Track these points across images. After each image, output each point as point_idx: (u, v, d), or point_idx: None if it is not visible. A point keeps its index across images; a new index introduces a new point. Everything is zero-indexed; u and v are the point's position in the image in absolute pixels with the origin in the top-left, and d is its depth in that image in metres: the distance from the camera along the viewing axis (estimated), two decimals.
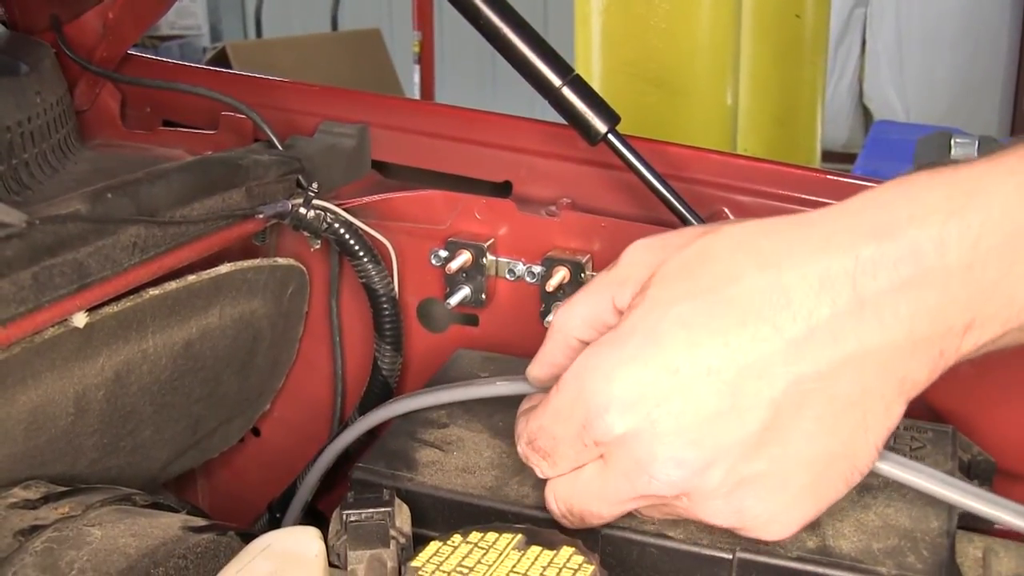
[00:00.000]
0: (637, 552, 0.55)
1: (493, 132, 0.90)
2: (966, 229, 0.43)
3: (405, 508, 0.55)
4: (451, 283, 0.85)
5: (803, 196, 0.80)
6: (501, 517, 0.58)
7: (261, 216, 0.77)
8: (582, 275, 0.81)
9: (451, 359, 0.78)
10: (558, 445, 0.51)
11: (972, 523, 0.61)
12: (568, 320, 0.54)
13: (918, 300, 0.44)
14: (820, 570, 0.53)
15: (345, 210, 0.83)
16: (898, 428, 0.62)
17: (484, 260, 0.84)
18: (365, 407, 0.89)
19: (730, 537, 0.54)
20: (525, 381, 0.58)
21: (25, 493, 0.60)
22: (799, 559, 0.53)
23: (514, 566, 0.49)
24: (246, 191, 0.77)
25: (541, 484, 0.55)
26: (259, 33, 5.00)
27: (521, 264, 0.84)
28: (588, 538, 0.53)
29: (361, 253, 0.83)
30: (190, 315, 0.75)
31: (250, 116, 0.88)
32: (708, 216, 0.81)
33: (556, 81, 0.75)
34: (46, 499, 0.60)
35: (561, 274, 0.81)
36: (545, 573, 0.49)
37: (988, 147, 0.74)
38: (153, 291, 0.70)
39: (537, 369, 0.57)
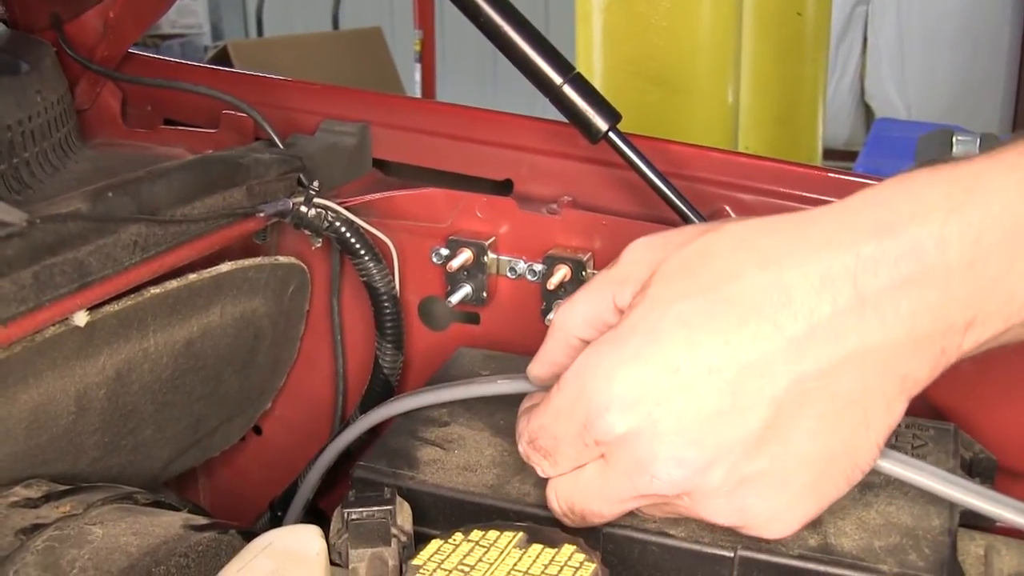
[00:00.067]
0: (639, 550, 0.55)
1: (494, 130, 0.90)
2: (967, 226, 0.43)
3: (406, 506, 0.55)
4: (452, 281, 0.85)
5: (804, 194, 0.80)
6: (502, 515, 0.58)
7: (262, 214, 0.77)
8: (583, 273, 0.81)
9: (452, 357, 0.78)
10: (559, 444, 0.51)
11: (974, 521, 0.61)
12: (569, 319, 0.54)
13: (919, 297, 0.44)
14: (822, 568, 0.53)
15: (346, 208, 0.83)
16: (899, 426, 0.62)
17: (485, 258, 0.84)
18: (366, 405, 0.89)
19: (732, 535, 0.54)
20: (526, 380, 0.58)
21: (26, 492, 0.60)
22: (801, 557, 0.53)
23: (515, 564, 0.49)
24: (247, 190, 0.77)
25: (542, 482, 0.55)
26: (260, 32, 5.01)
27: (522, 262, 0.84)
28: (590, 536, 0.53)
29: (362, 251, 0.83)
30: (191, 314, 0.75)
31: (251, 115, 0.88)
32: (709, 214, 0.81)
33: (557, 79, 0.75)
34: (47, 498, 0.60)
35: (562, 272, 0.81)
36: (547, 571, 0.49)
37: (989, 144, 0.74)
38: (154, 290, 0.70)
39: (538, 368, 0.57)
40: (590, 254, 0.82)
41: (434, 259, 0.85)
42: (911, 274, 0.44)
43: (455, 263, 0.84)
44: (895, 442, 0.64)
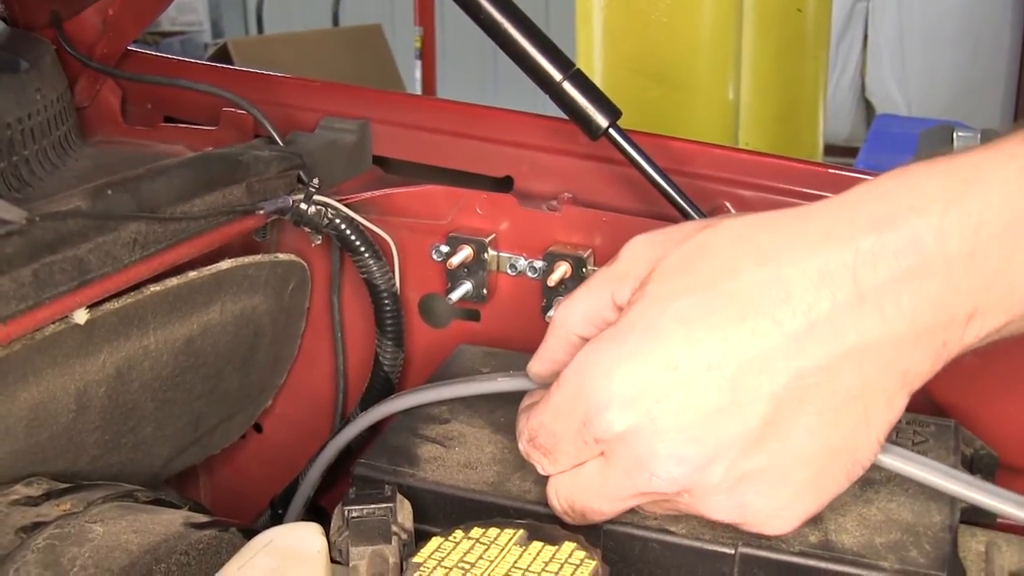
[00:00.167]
0: (639, 547, 0.55)
1: (494, 127, 0.90)
2: (966, 217, 0.43)
3: (407, 504, 0.55)
4: (452, 278, 0.85)
5: (805, 190, 0.80)
6: (503, 513, 0.58)
7: (262, 212, 0.77)
8: (583, 270, 0.81)
9: (452, 355, 0.78)
10: (559, 442, 0.51)
11: (975, 517, 0.61)
12: (568, 316, 0.54)
13: (920, 291, 0.44)
14: (822, 565, 0.53)
15: (346, 205, 0.83)
16: (900, 422, 0.62)
17: (485, 255, 0.84)
18: (367, 403, 0.89)
19: (732, 532, 0.53)
20: (526, 377, 0.58)
21: (27, 490, 0.60)
22: (801, 554, 0.53)
23: (516, 561, 0.49)
24: (247, 187, 0.77)
25: (543, 480, 0.55)
26: (260, 29, 5.01)
27: (522, 259, 0.84)
28: (590, 533, 0.53)
29: (362, 248, 0.83)
30: (191, 311, 0.75)
31: (251, 112, 0.88)
32: (710, 210, 0.81)
33: (557, 76, 0.75)
34: (48, 496, 0.60)
35: (563, 269, 0.81)
36: (547, 569, 0.48)
37: (989, 139, 0.74)
38: (154, 287, 0.70)
39: (538, 365, 0.57)
40: (590, 251, 0.81)
41: (434, 256, 0.85)
42: (911, 267, 0.44)
43: (455, 260, 0.84)
44: (896, 438, 0.64)
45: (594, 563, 0.49)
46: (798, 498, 0.48)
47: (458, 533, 0.51)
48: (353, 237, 0.83)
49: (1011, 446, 0.71)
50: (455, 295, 0.85)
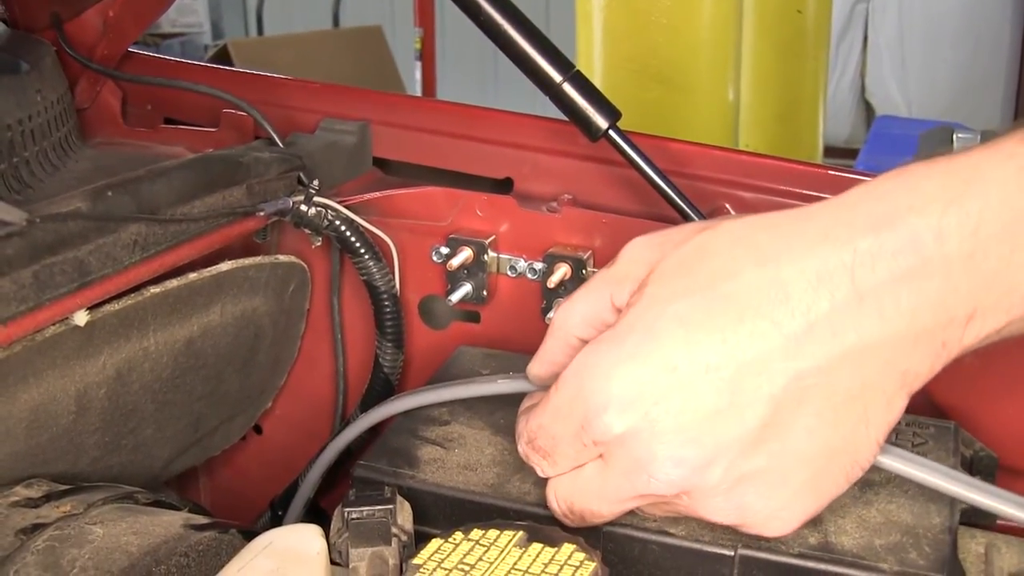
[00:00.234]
0: (639, 549, 0.55)
1: (494, 129, 0.90)
2: (965, 217, 0.43)
3: (407, 505, 0.55)
4: (452, 280, 0.85)
5: (805, 192, 0.80)
6: (503, 514, 0.58)
7: (262, 213, 0.77)
8: (583, 271, 0.81)
9: (452, 356, 0.78)
10: (558, 444, 0.51)
11: (974, 519, 0.61)
12: (567, 318, 0.54)
13: (919, 291, 0.44)
14: (822, 566, 0.53)
15: (346, 207, 0.83)
16: (899, 424, 0.62)
17: (485, 257, 0.84)
18: (367, 404, 0.89)
19: (732, 534, 0.54)
20: (526, 379, 0.58)
21: (27, 491, 0.60)
22: (801, 555, 0.53)
23: (515, 563, 0.49)
24: (247, 188, 0.77)
25: (542, 481, 0.55)
26: (260, 30, 5.01)
27: (522, 261, 0.84)
28: (590, 535, 0.53)
29: (362, 250, 0.83)
30: (191, 313, 0.75)
31: (251, 113, 0.88)
32: (709, 212, 0.81)
33: (557, 77, 0.75)
34: (48, 497, 0.60)
35: (562, 271, 0.81)
36: (547, 570, 0.48)
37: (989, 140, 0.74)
38: (154, 289, 0.70)
39: (537, 367, 0.57)
40: (590, 252, 0.81)
41: (434, 258, 0.85)
42: (910, 267, 0.44)
43: (455, 262, 0.84)
44: (895, 440, 0.64)
45: (594, 565, 0.49)
46: (797, 499, 0.48)
47: (458, 535, 0.51)
48: (353, 239, 0.83)
49: (1011, 447, 0.71)
50: (455, 297, 0.85)
